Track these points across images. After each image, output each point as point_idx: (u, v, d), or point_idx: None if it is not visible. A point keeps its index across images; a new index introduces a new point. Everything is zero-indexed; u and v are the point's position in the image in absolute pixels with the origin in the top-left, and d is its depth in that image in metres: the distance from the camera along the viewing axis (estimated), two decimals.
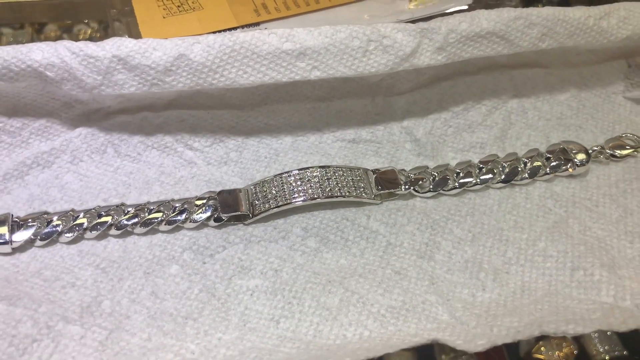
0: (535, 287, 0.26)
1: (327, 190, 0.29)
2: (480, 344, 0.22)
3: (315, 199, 0.28)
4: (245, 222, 0.29)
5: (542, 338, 0.46)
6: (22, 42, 0.31)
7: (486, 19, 0.30)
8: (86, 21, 0.41)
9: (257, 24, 0.38)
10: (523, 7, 0.32)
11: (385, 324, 0.25)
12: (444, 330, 0.24)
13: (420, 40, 0.29)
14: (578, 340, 0.47)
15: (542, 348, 0.47)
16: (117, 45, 0.27)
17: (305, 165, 0.31)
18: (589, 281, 0.26)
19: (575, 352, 0.48)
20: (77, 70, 0.27)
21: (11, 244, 0.27)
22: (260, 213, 0.28)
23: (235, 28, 0.37)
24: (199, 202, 0.29)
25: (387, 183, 0.30)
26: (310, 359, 0.23)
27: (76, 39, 0.35)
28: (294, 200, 0.28)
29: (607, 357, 0.47)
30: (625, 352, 0.46)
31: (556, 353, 0.48)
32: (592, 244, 0.28)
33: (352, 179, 0.29)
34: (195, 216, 0.28)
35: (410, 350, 0.46)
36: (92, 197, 0.30)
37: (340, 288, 0.26)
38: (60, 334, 0.24)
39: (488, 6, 0.41)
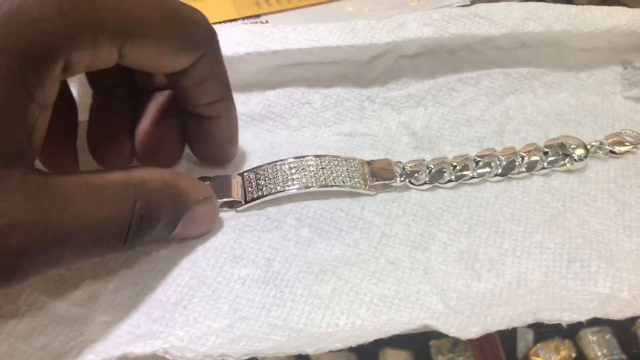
0: (532, 278, 0.26)
1: (322, 179, 0.28)
2: (473, 331, 0.22)
3: (309, 187, 0.28)
4: (238, 209, 0.28)
5: (540, 340, 0.46)
6: None
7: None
8: None
9: (257, 16, 0.38)
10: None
11: (378, 312, 0.24)
12: (437, 319, 0.23)
13: (406, 18, 0.31)
14: (576, 343, 0.47)
15: (540, 351, 0.46)
16: None
17: None
18: (586, 272, 0.26)
19: (573, 355, 0.48)
20: None
21: None
22: (252, 200, 0.28)
23: (235, 20, 0.37)
24: None
25: (382, 174, 0.30)
26: (301, 346, 0.22)
27: None
28: (288, 189, 0.28)
29: None
30: (623, 356, 0.45)
31: (553, 356, 0.47)
32: (590, 237, 0.27)
33: (347, 169, 0.29)
34: None
35: (407, 351, 0.46)
36: None
37: (333, 277, 0.26)
38: None
39: (490, 1, 0.41)
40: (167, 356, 0.22)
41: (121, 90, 0.28)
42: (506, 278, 0.26)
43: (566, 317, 0.22)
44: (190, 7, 0.24)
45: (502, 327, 0.22)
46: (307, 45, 0.31)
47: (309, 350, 0.22)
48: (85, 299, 0.25)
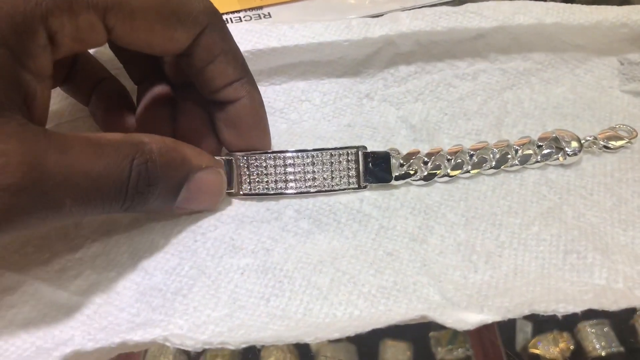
0: (528, 269, 0.26)
1: (318, 182, 0.29)
2: (470, 323, 0.22)
3: (305, 192, 0.29)
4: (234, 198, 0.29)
5: (539, 333, 0.47)
6: None
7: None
8: None
9: (259, 7, 0.38)
10: None
11: (376, 303, 0.25)
12: (434, 310, 0.24)
13: (399, 15, 0.32)
14: (574, 336, 0.47)
15: (539, 343, 0.47)
16: None
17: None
18: (582, 264, 0.26)
19: (571, 347, 0.48)
20: None
21: None
22: (249, 195, 0.29)
23: (238, 11, 0.37)
24: None
25: (380, 167, 0.30)
26: (299, 335, 0.22)
27: None
28: (286, 191, 0.29)
29: (603, 353, 0.46)
30: (621, 349, 0.46)
31: (552, 348, 0.48)
32: (586, 229, 0.28)
33: (347, 162, 0.29)
34: None
35: (407, 342, 0.46)
36: None
37: (332, 268, 0.26)
38: None
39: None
40: (167, 344, 0.22)
41: (159, 83, 0.29)
42: (503, 270, 0.26)
43: (561, 309, 0.22)
44: None
45: (498, 318, 0.22)
46: (305, 42, 0.32)
47: (307, 339, 0.22)
48: (85, 289, 0.25)
